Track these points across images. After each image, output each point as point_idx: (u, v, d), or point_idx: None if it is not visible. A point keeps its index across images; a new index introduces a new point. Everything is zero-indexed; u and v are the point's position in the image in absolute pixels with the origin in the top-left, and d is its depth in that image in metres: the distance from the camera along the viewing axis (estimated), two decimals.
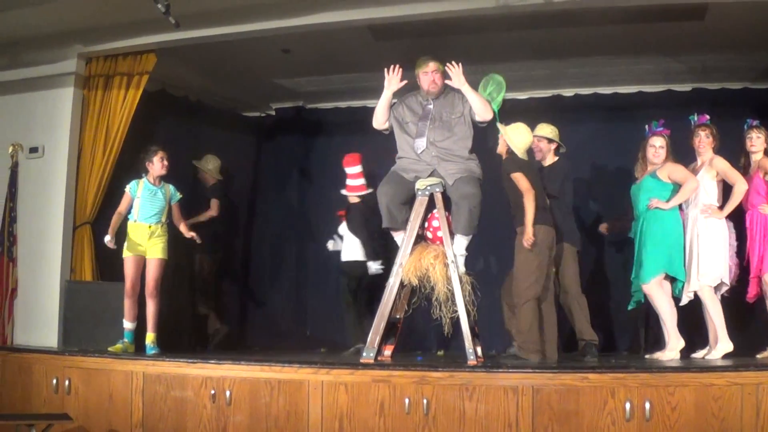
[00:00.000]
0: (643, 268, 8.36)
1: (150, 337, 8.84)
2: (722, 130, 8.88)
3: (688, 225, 8.46)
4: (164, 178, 9.16)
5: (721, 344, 8.20)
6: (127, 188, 8.98)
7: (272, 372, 7.36)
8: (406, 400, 6.85)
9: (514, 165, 8.07)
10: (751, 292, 8.51)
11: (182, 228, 9.18)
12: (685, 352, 8.36)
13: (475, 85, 8.26)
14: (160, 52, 9.77)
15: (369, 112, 11.20)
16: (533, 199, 7.91)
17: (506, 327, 8.59)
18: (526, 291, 7.90)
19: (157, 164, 9.02)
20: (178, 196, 9.24)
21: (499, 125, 8.24)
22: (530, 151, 8.57)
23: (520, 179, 7.96)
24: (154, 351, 8.69)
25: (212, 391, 7.48)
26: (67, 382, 8.07)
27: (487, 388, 6.75)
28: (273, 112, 12.83)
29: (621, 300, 9.12)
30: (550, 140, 8.89)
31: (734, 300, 8.62)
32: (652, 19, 9.33)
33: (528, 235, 7.83)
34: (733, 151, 8.86)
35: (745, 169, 8.68)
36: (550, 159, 8.95)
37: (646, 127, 8.79)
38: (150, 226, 8.90)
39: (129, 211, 8.95)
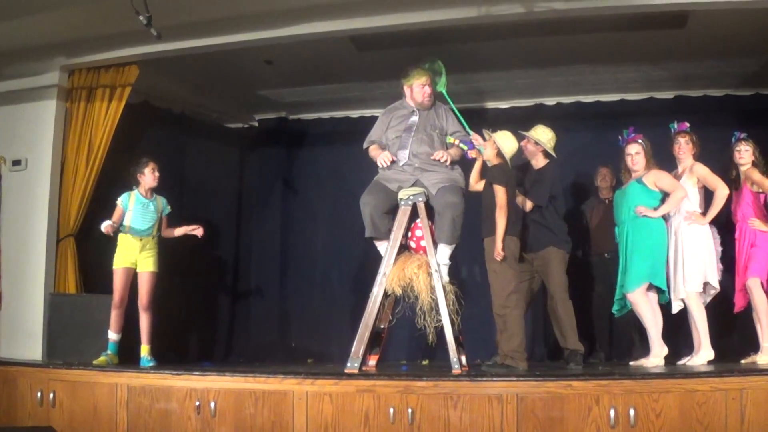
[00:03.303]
0: (627, 277, 8.37)
1: (145, 349, 8.80)
2: (705, 137, 8.93)
3: (672, 232, 8.48)
4: (155, 190, 9.12)
5: (703, 351, 8.25)
6: (119, 201, 8.93)
7: (257, 383, 7.32)
8: (391, 410, 6.82)
9: (501, 176, 8.02)
10: (738, 305, 8.55)
11: (178, 231, 9.18)
12: (670, 359, 8.34)
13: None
14: (142, 64, 9.75)
15: (352, 122, 11.35)
16: (505, 216, 7.86)
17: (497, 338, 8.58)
18: (507, 299, 7.84)
19: (148, 176, 8.98)
20: (169, 208, 9.22)
21: (486, 132, 8.24)
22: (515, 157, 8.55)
23: (499, 193, 7.90)
24: (150, 363, 8.66)
25: (197, 403, 7.43)
26: (51, 395, 8.01)
27: (471, 397, 6.72)
28: (256, 124, 12.84)
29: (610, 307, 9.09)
30: (537, 143, 8.86)
31: (720, 306, 8.67)
32: (633, 27, 9.38)
33: (498, 250, 7.80)
34: (717, 157, 8.92)
35: (735, 181, 8.70)
36: (540, 161, 8.91)
37: (619, 137, 8.83)
38: (141, 239, 8.87)
39: (120, 223, 8.90)
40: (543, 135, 8.83)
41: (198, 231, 9.21)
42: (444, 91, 8.62)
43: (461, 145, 8.21)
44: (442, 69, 8.64)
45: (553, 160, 8.90)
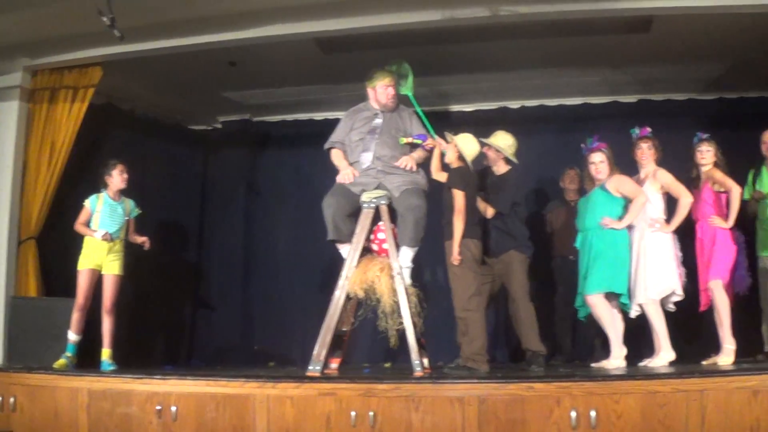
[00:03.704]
0: (588, 282, 8.40)
1: (106, 353, 8.75)
2: (668, 141, 8.99)
3: (635, 238, 8.51)
4: (123, 192, 9.09)
5: (663, 353, 8.30)
6: (87, 202, 8.89)
7: (218, 387, 7.26)
8: (353, 413, 6.77)
9: (460, 180, 8.08)
10: (703, 304, 8.60)
11: (132, 238, 9.11)
12: (632, 360, 8.40)
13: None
14: (106, 65, 9.68)
15: (316, 125, 11.33)
16: (463, 221, 7.92)
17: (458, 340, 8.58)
18: (468, 302, 7.89)
19: (116, 178, 8.94)
20: (137, 211, 9.19)
21: (449, 135, 8.26)
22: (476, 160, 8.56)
23: (458, 197, 7.96)
24: (111, 367, 8.62)
25: (158, 407, 7.35)
26: (12, 400, 7.92)
27: (433, 400, 6.69)
28: (220, 125, 12.78)
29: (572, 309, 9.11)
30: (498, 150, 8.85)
31: (681, 307, 8.65)
32: (597, 32, 9.41)
33: (455, 255, 7.86)
34: (680, 161, 8.96)
35: (695, 181, 8.78)
36: (501, 168, 8.91)
37: (582, 146, 8.86)
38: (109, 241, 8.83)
39: (88, 224, 8.85)
40: (503, 141, 8.84)
41: (145, 244, 9.15)
42: (410, 94, 8.68)
43: (414, 140, 8.26)
44: (409, 72, 8.73)
45: (515, 167, 8.92)
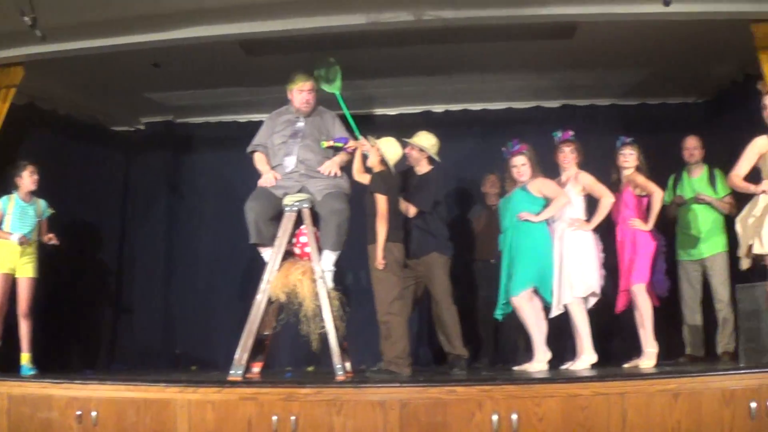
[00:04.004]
0: (512, 282, 8.45)
1: (25, 357, 8.67)
2: (591, 145, 9.14)
3: (556, 238, 8.59)
4: (34, 193, 8.98)
5: (585, 355, 8.39)
6: None
7: (138, 391, 7.16)
8: (274, 418, 6.72)
9: (382, 185, 8.11)
10: (620, 305, 8.70)
11: (44, 238, 9.01)
12: (554, 363, 8.48)
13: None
14: (28, 65, 9.47)
15: (239, 127, 11.27)
16: (386, 225, 7.98)
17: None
18: (391, 305, 7.93)
19: (26, 179, 8.87)
20: (50, 211, 9.10)
21: (371, 138, 8.29)
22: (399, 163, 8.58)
23: (380, 202, 8.01)
24: (31, 372, 8.52)
25: (78, 412, 7.22)
26: None
27: (355, 404, 6.66)
28: (142, 127, 12.63)
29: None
30: (421, 149, 8.89)
31: (602, 311, 8.79)
32: (521, 37, 9.48)
33: (378, 259, 7.91)
34: (602, 165, 9.07)
35: (616, 184, 8.88)
36: (423, 167, 8.94)
37: (503, 150, 8.90)
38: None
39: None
40: (426, 141, 8.89)
41: (52, 239, 9.05)
42: (338, 93, 8.72)
43: (335, 143, 8.26)
44: (338, 73, 8.78)
45: (437, 166, 8.96)
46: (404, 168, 8.92)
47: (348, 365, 7.85)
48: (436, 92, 11.48)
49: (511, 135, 9.08)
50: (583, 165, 8.85)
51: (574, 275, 8.43)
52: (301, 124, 8.28)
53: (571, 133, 8.89)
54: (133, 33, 8.94)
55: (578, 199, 8.69)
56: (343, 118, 8.64)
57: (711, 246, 9.22)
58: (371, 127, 8.87)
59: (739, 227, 7.62)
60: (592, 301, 8.62)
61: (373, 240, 8.04)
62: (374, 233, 8.01)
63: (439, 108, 11.88)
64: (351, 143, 8.37)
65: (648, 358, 8.34)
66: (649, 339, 8.41)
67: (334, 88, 8.78)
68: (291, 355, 10.39)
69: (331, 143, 8.26)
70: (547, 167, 8.89)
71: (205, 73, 10.53)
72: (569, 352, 8.76)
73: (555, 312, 8.52)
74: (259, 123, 8.67)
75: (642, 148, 8.87)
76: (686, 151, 9.48)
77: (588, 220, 8.62)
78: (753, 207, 7.50)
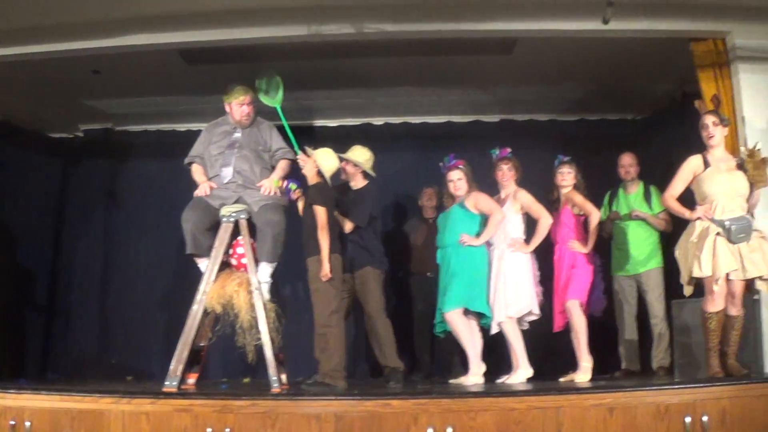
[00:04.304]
0: (446, 298, 8.47)
1: None
2: (529, 161, 9.16)
3: (494, 258, 8.62)
4: None
5: (521, 369, 8.45)
6: None
7: (73, 402, 7.02)
8: (209, 430, 6.61)
9: (321, 196, 8.07)
10: (557, 325, 8.78)
11: None
12: (490, 377, 8.53)
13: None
14: None
15: (178, 136, 11.19)
16: (328, 236, 7.94)
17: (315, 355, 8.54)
18: (329, 318, 7.88)
19: None
20: None
21: (308, 149, 8.26)
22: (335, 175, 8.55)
23: (320, 213, 7.96)
24: None
25: (12, 422, 7.08)
26: None
27: (290, 416, 6.60)
28: (81, 134, 12.48)
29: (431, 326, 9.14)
30: (356, 164, 8.90)
31: (540, 325, 8.83)
32: (462, 52, 9.56)
33: (325, 271, 7.85)
34: (542, 180, 9.15)
35: (555, 202, 8.98)
36: (359, 182, 8.96)
37: (441, 164, 8.92)
38: None
39: None
40: (361, 156, 8.90)
41: None
42: (278, 107, 8.69)
43: (283, 189, 8.22)
44: (280, 85, 8.72)
45: (373, 181, 8.98)
46: (339, 182, 8.88)
47: (284, 377, 7.80)
48: (377, 104, 11.49)
49: (451, 149, 9.14)
50: (523, 180, 8.90)
51: (509, 296, 8.46)
52: (238, 134, 8.24)
53: (508, 150, 8.93)
54: (72, 39, 8.86)
55: (517, 217, 8.74)
56: (282, 131, 8.61)
57: (646, 262, 9.26)
58: (311, 138, 8.89)
59: (678, 254, 7.66)
60: (531, 318, 8.67)
61: (312, 252, 7.98)
62: (315, 246, 7.95)
63: (379, 120, 11.90)
64: (295, 193, 8.31)
65: (583, 372, 8.43)
66: (584, 353, 8.48)
67: (275, 102, 8.74)
68: (227, 366, 10.30)
69: (282, 184, 8.21)
70: (487, 182, 8.93)
71: (145, 81, 10.49)
72: (506, 365, 8.76)
73: (494, 329, 8.55)
74: (199, 132, 8.61)
75: (580, 165, 8.98)
76: (622, 168, 9.56)
77: (527, 240, 8.66)
78: (690, 233, 7.54)
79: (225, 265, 7.95)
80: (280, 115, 8.71)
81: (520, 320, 8.60)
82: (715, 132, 7.65)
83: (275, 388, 7.40)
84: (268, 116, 8.66)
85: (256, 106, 8.37)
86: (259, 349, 7.60)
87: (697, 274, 7.36)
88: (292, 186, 8.24)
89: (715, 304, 7.37)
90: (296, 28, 8.58)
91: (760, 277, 7.41)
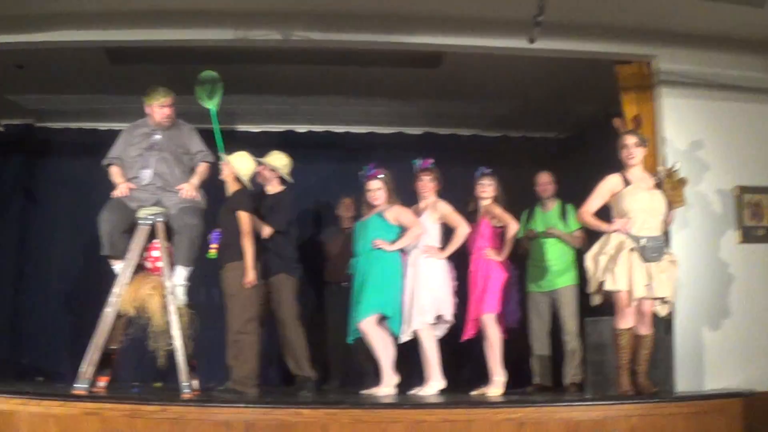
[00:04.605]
0: (359, 307, 8.45)
1: None
2: (451, 175, 9.20)
3: (409, 264, 8.61)
4: None
5: (433, 381, 8.44)
6: None
7: None
8: None
9: (243, 202, 8.10)
10: (467, 333, 8.74)
11: None
12: (403, 388, 8.54)
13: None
14: None
15: (99, 135, 11.06)
16: (252, 243, 7.95)
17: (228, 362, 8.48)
18: (245, 325, 7.89)
19: None
20: None
21: (223, 155, 8.30)
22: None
23: (244, 219, 7.98)
24: None
25: None
26: None
27: (200, 423, 6.54)
28: (1, 128, 12.26)
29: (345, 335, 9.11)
30: (273, 169, 8.92)
31: (454, 337, 8.82)
32: (388, 64, 9.61)
33: (249, 278, 7.87)
34: (462, 195, 9.19)
35: (473, 214, 8.99)
36: (275, 187, 8.99)
37: (360, 173, 8.94)
38: None
39: None
40: (279, 161, 8.95)
41: None
42: (213, 109, 8.65)
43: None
44: (220, 90, 8.70)
45: (289, 186, 9.01)
46: (257, 187, 8.86)
47: (195, 383, 7.71)
48: (301, 112, 11.48)
49: (372, 159, 9.12)
50: (442, 194, 8.92)
51: (425, 301, 8.44)
52: (158, 136, 8.15)
53: (430, 161, 8.95)
54: None
55: (434, 227, 8.75)
56: (210, 135, 8.56)
57: (561, 279, 9.39)
58: (233, 143, 8.74)
59: (589, 263, 7.68)
60: (444, 327, 8.66)
61: (231, 258, 8.00)
62: (234, 252, 7.97)
63: (302, 128, 11.87)
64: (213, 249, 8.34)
65: (495, 386, 8.44)
66: (497, 367, 8.50)
67: (212, 104, 8.70)
68: (139, 370, 10.09)
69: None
70: (407, 195, 8.95)
71: (69, 78, 10.36)
72: (418, 377, 8.76)
73: (405, 338, 8.52)
74: (120, 132, 8.53)
75: (501, 180, 9.00)
76: (539, 186, 9.70)
77: (442, 248, 8.68)
78: (605, 244, 7.57)
79: (140, 268, 7.85)
80: (213, 118, 8.64)
81: (434, 328, 8.58)
82: (635, 152, 7.73)
83: (186, 393, 7.30)
84: (192, 119, 8.61)
85: (177, 109, 8.28)
86: (172, 354, 7.51)
87: (610, 287, 7.42)
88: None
89: (626, 320, 7.45)
90: (223, 32, 8.54)
91: (663, 299, 7.54)
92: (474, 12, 8.46)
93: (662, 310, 7.64)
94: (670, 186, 7.84)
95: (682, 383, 8.31)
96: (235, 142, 8.83)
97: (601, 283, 7.53)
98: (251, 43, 8.65)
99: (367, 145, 11.57)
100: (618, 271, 7.37)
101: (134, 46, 8.85)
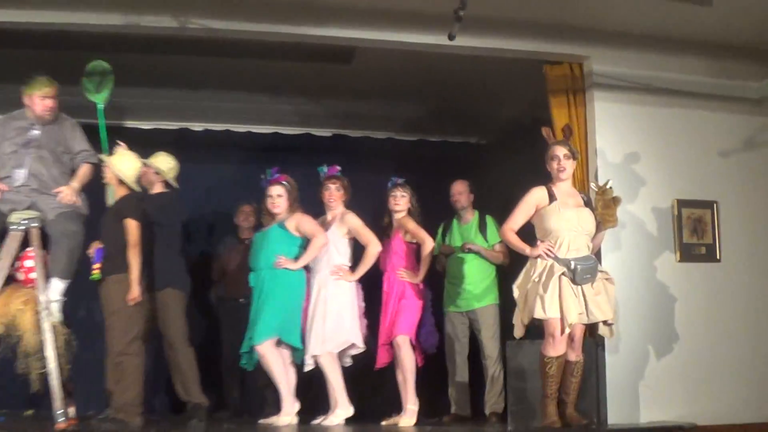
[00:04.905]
0: (257, 328, 7.95)
1: None
2: (361, 181, 8.87)
3: (314, 285, 8.19)
4: None
5: (339, 409, 8.00)
6: None
7: None
8: None
9: (130, 209, 7.65)
10: (380, 361, 8.40)
11: None
12: (307, 416, 8.10)
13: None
14: None
15: None
16: (139, 255, 7.52)
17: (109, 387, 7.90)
18: (128, 346, 7.43)
19: None
20: None
21: (103, 156, 7.84)
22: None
23: (132, 229, 7.56)
24: None
25: None
26: None
27: None
28: None
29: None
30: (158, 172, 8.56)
31: (363, 362, 8.41)
32: (295, 58, 9.27)
33: (134, 294, 7.42)
34: (375, 204, 8.86)
35: (386, 228, 8.64)
36: (158, 188, 8.61)
37: (262, 177, 8.45)
38: None
39: None
40: (165, 164, 8.61)
41: None
42: (100, 105, 8.29)
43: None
44: (111, 83, 8.38)
45: (174, 191, 8.63)
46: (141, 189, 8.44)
47: (72, 411, 7.16)
48: (197, 108, 10.95)
49: (276, 163, 8.68)
50: (353, 203, 8.53)
51: (329, 328, 8.01)
52: (36, 132, 7.47)
53: (338, 168, 8.55)
54: None
55: (343, 242, 8.32)
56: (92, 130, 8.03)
57: (481, 298, 8.96)
58: (123, 140, 8.20)
59: (517, 294, 7.31)
60: (354, 352, 8.23)
61: (113, 270, 7.53)
62: (117, 263, 7.50)
63: (198, 126, 11.33)
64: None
65: (408, 416, 8.15)
66: (411, 395, 8.19)
67: (99, 99, 8.28)
68: (8, 396, 9.26)
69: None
70: (314, 205, 8.52)
71: None
72: (324, 403, 8.25)
73: (308, 366, 8.07)
74: None
75: (416, 190, 8.68)
76: (453, 196, 9.31)
77: (353, 267, 8.25)
78: (530, 271, 7.22)
79: (11, 279, 7.25)
80: (99, 114, 8.22)
81: (342, 354, 8.17)
82: (566, 165, 7.36)
83: (61, 423, 6.73)
84: (74, 113, 7.92)
85: (61, 101, 7.62)
86: (45, 378, 6.89)
87: (540, 315, 7.00)
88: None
89: (556, 348, 7.05)
90: (111, 16, 7.86)
91: (605, 322, 7.20)
92: (390, 3, 8.06)
93: (607, 333, 7.35)
94: (602, 204, 7.47)
95: (615, 415, 8.03)
96: (125, 139, 8.20)
97: (531, 313, 7.12)
98: (143, 30, 8.05)
99: (271, 147, 11.13)
100: (548, 297, 6.99)
101: (10, 27, 8.01)
